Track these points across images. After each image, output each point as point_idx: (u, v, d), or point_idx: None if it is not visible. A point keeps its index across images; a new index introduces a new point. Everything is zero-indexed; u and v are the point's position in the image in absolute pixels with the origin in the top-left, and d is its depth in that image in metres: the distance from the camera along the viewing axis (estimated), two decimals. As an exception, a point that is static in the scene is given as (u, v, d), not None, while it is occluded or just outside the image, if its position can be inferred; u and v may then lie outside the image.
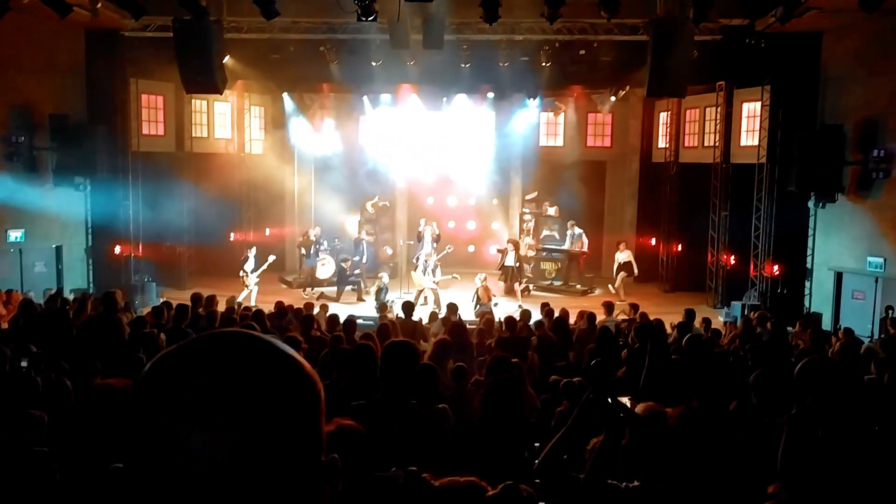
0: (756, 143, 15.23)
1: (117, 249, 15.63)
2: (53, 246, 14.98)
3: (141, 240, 16.04)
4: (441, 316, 10.78)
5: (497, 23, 12.06)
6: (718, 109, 16.11)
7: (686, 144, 17.70)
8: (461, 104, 17.69)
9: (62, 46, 14.62)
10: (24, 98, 14.01)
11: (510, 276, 15.99)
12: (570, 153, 18.86)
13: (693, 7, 11.55)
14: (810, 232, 14.74)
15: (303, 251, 17.02)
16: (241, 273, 14.96)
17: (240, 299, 13.16)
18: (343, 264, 15.96)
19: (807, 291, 14.91)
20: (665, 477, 2.70)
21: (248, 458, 0.79)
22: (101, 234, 15.62)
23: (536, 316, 10.39)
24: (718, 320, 13.42)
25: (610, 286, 16.51)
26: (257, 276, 14.92)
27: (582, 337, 8.47)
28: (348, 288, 15.98)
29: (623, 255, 16.37)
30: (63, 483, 2.98)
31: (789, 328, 10.10)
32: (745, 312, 13.23)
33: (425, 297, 14.86)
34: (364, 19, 11.53)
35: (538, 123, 19.15)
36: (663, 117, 18.40)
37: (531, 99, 17.46)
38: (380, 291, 14.45)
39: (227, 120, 18.40)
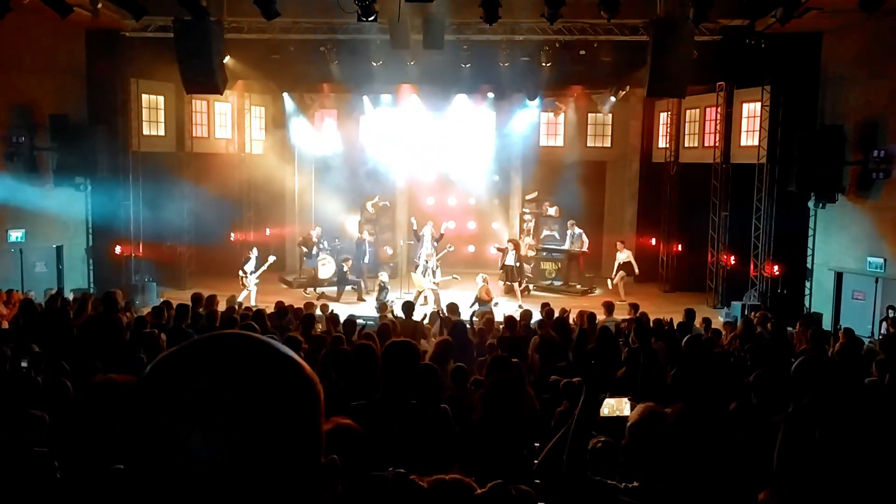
0: (756, 143, 15.23)
1: (118, 249, 15.64)
2: (54, 246, 14.99)
3: (141, 240, 16.05)
4: (441, 316, 10.78)
5: (497, 23, 12.07)
6: (718, 110, 16.11)
7: (686, 145, 17.69)
8: (461, 104, 17.69)
9: (63, 47, 14.63)
10: (24, 98, 14.03)
11: (510, 276, 15.99)
12: (571, 153, 18.85)
13: (693, 7, 11.55)
14: (810, 232, 14.75)
15: (304, 250, 17.01)
16: (241, 273, 14.95)
17: (240, 299, 13.17)
18: (343, 264, 15.96)
19: (807, 292, 14.91)
20: (665, 477, 2.70)
21: (247, 460, 0.79)
22: (101, 234, 15.64)
23: (537, 316, 10.39)
24: (718, 320, 13.42)
25: (609, 281, 16.54)
26: (257, 277, 14.93)
27: (582, 337, 8.47)
28: (348, 288, 15.99)
29: (622, 255, 16.38)
30: (64, 482, 2.99)
31: (789, 328, 10.10)
32: (746, 313, 13.23)
33: (425, 297, 14.87)
34: (364, 19, 11.53)
35: (538, 123, 19.15)
36: (663, 117, 18.40)
37: (531, 99, 17.45)
38: (380, 291, 14.46)
39: (227, 120, 18.40)
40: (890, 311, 11.23)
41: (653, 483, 2.72)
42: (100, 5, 12.62)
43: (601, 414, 3.17)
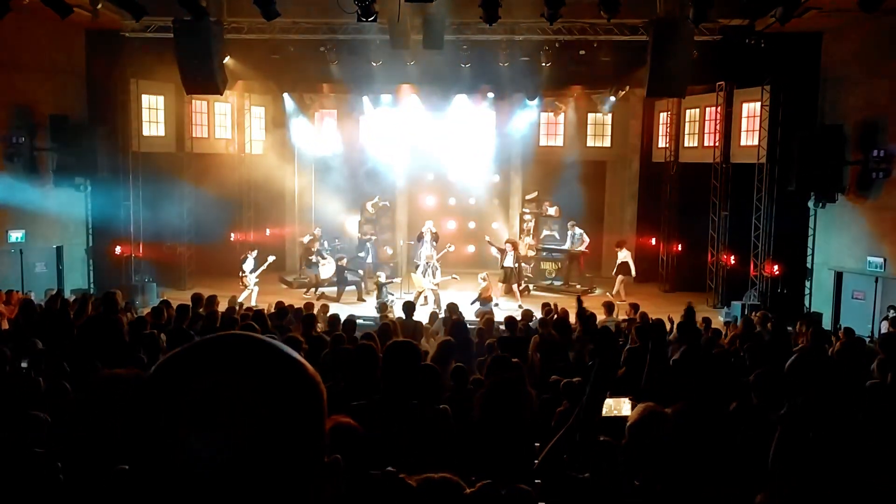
0: (756, 143, 15.23)
1: (118, 250, 15.65)
2: (54, 246, 14.99)
3: (141, 240, 16.06)
4: (441, 316, 10.78)
5: (497, 23, 12.06)
6: (718, 109, 16.11)
7: (686, 144, 17.70)
8: (461, 104, 17.69)
9: (63, 47, 14.64)
10: (24, 98, 14.03)
11: (510, 276, 15.99)
12: (570, 153, 18.85)
13: (693, 7, 11.55)
14: (810, 232, 14.76)
15: (310, 259, 16.90)
16: (241, 273, 14.96)
17: (240, 300, 13.17)
18: (340, 263, 15.97)
19: (807, 291, 14.92)
20: (665, 477, 2.70)
21: (250, 460, 0.80)
22: (101, 235, 15.65)
23: (537, 316, 10.39)
24: (718, 320, 13.43)
25: (609, 294, 16.45)
26: (256, 277, 14.93)
27: (582, 337, 8.47)
28: (349, 288, 15.99)
29: (621, 255, 16.38)
30: (67, 483, 2.99)
31: (789, 328, 10.10)
32: (746, 312, 13.23)
33: (425, 298, 14.87)
34: (364, 20, 11.53)
35: (538, 123, 19.16)
36: (663, 117, 18.40)
37: (531, 99, 17.46)
38: (380, 292, 14.46)
39: (227, 120, 18.41)
40: (890, 311, 11.23)
41: (653, 483, 2.72)
42: (100, 6, 12.62)
43: (601, 414, 3.17)
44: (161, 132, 16.74)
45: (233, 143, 18.56)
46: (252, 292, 14.82)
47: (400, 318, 9.80)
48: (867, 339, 9.81)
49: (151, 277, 16.06)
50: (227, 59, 14.18)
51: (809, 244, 14.78)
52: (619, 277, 16.14)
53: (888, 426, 4.40)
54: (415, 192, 19.41)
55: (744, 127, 15.92)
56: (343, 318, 9.02)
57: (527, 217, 18.33)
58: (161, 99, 16.58)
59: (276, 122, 18.92)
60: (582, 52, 14.78)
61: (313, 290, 16.30)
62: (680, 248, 17.63)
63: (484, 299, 14.38)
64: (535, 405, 5.32)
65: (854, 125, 13.41)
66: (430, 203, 19.58)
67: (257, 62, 15.21)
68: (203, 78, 13.23)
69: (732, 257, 15.81)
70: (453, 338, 7.09)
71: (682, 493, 2.68)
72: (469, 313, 12.57)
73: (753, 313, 11.30)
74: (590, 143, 19.59)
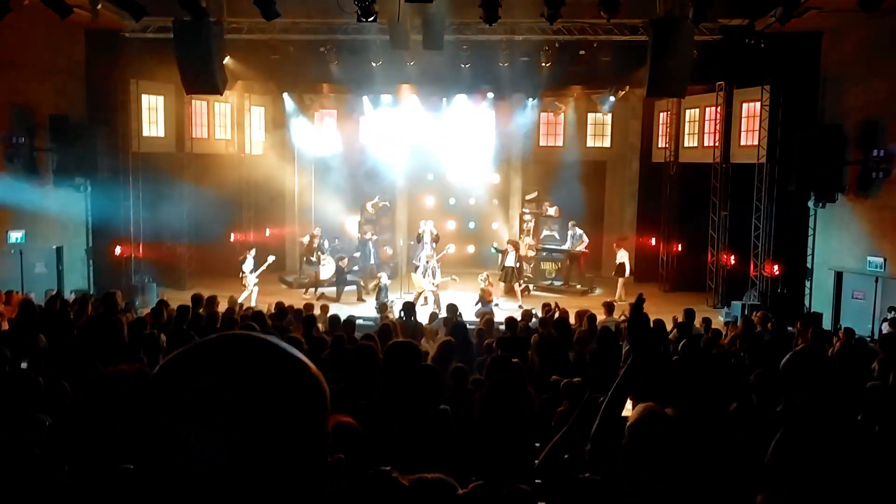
0: (756, 143, 15.24)
1: (118, 250, 15.65)
2: (54, 247, 14.98)
3: (141, 240, 16.06)
4: (441, 317, 10.78)
5: (497, 23, 12.06)
6: (718, 109, 16.11)
7: (686, 144, 17.70)
8: (461, 104, 17.69)
9: (62, 47, 14.63)
10: (24, 99, 14.02)
11: (510, 276, 16.00)
12: (570, 153, 18.85)
13: (693, 7, 11.55)
14: (810, 232, 14.76)
15: (310, 258, 16.93)
16: (241, 274, 14.97)
17: (240, 300, 13.17)
18: (340, 263, 15.97)
19: (807, 291, 14.91)
20: (665, 477, 2.70)
21: (254, 459, 0.80)
22: (101, 235, 15.64)
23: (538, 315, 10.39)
24: (719, 320, 13.42)
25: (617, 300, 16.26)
26: (256, 277, 14.93)
27: (582, 337, 8.47)
28: (349, 288, 15.99)
29: (619, 256, 16.38)
30: (70, 483, 2.99)
31: (789, 328, 10.10)
32: (746, 312, 13.23)
33: (425, 298, 14.87)
34: (364, 20, 11.53)
35: (538, 123, 19.16)
36: (663, 117, 18.41)
37: (531, 99, 17.47)
38: (380, 292, 14.46)
39: (227, 120, 18.41)
40: (891, 312, 11.22)
41: (653, 483, 2.72)
42: (99, 6, 12.62)
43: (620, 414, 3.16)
44: (161, 132, 16.74)
45: (233, 144, 18.56)
46: (252, 293, 14.82)
47: (400, 318, 9.80)
48: (868, 339, 9.82)
49: (151, 278, 16.06)
50: (226, 60, 14.17)
51: (809, 244, 14.78)
52: (620, 280, 16.13)
53: (889, 426, 4.40)
54: (415, 193, 19.41)
55: (744, 127, 15.92)
56: (343, 318, 9.03)
57: (527, 217, 18.33)
58: (161, 99, 16.58)
59: (276, 123, 18.93)
60: (582, 52, 14.79)
61: (313, 290, 16.31)
62: (680, 248, 17.63)
63: (485, 300, 14.37)
64: (535, 405, 5.32)
65: (854, 125, 13.41)
66: (430, 203, 19.58)
67: (257, 62, 15.21)
68: (203, 78, 13.22)
69: (732, 257, 15.81)
70: (453, 338, 7.09)
71: (683, 493, 2.68)
72: (469, 314, 12.57)
73: (754, 313, 11.30)
74: (590, 143, 19.60)
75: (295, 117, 18.28)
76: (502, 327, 9.41)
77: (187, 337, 6.91)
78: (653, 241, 18.43)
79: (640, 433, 2.78)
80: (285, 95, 17.80)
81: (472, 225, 19.84)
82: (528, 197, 18.73)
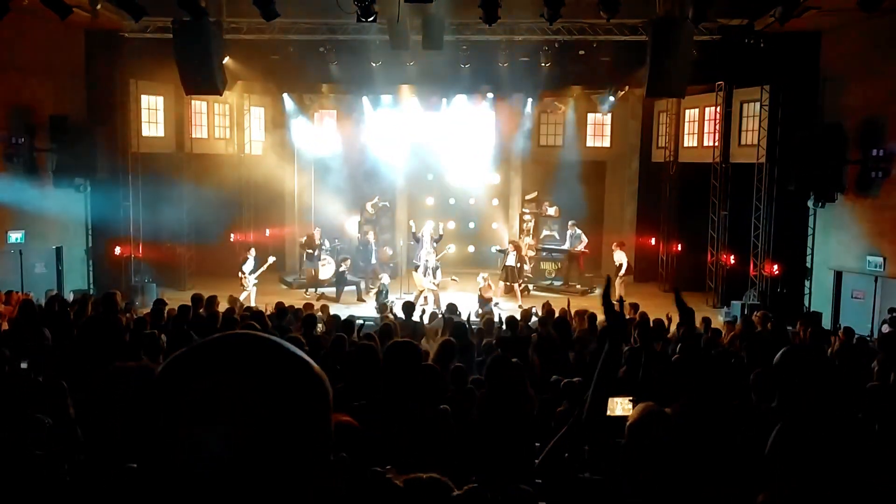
0: (755, 142, 15.24)
1: (117, 250, 15.65)
2: (53, 247, 14.99)
3: (141, 241, 16.06)
4: (441, 316, 10.78)
5: (496, 23, 12.07)
6: (718, 109, 16.12)
7: (685, 144, 17.71)
8: (461, 104, 17.70)
9: (62, 48, 14.63)
10: (24, 99, 14.02)
11: (510, 276, 16.00)
12: (570, 153, 18.85)
13: (692, 7, 11.56)
14: (810, 231, 14.76)
15: (309, 251, 16.95)
16: (240, 274, 14.97)
17: (240, 300, 13.17)
18: (342, 264, 15.98)
19: (806, 291, 14.92)
20: (665, 476, 2.70)
21: (258, 458, 0.80)
22: (101, 235, 15.64)
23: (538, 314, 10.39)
24: (718, 320, 13.42)
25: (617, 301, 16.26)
26: (255, 278, 14.93)
27: (582, 337, 8.47)
28: (348, 288, 15.99)
29: (618, 256, 16.36)
30: (73, 482, 2.99)
31: (789, 328, 10.11)
32: (745, 312, 13.23)
33: (425, 298, 14.88)
34: (364, 20, 11.53)
35: (538, 123, 19.17)
36: (663, 117, 18.41)
37: (531, 99, 17.47)
38: (380, 293, 14.46)
39: (226, 121, 18.41)
40: (890, 313, 11.21)
41: (653, 483, 2.72)
42: (99, 6, 12.62)
43: (605, 412, 3.17)
44: (160, 133, 16.74)
45: (232, 144, 18.57)
46: (251, 293, 14.81)
47: (399, 318, 9.80)
48: (868, 339, 9.82)
49: (151, 278, 16.06)
50: (226, 60, 14.17)
51: (809, 244, 14.79)
52: (618, 279, 16.09)
53: (889, 426, 4.41)
54: (414, 193, 19.41)
55: (743, 126, 15.93)
56: (343, 318, 9.03)
57: (526, 217, 18.33)
58: (160, 99, 16.58)
59: (276, 123, 18.93)
60: (581, 53, 14.79)
61: (313, 290, 16.31)
62: (679, 248, 17.64)
63: (484, 300, 14.38)
64: (535, 405, 5.33)
65: (853, 124, 13.41)
66: (430, 203, 19.58)
67: (257, 63, 15.21)
68: (202, 78, 13.22)
69: (732, 257, 15.82)
70: (453, 338, 7.09)
71: (683, 493, 2.68)
72: (470, 313, 12.56)
73: (755, 313, 11.28)
74: (589, 143, 19.60)
75: (295, 117, 18.28)
76: (503, 327, 9.42)
77: (187, 337, 6.91)
78: (652, 241, 18.43)
79: (640, 433, 2.79)
80: (285, 95, 17.80)
81: (471, 225, 19.85)
82: (527, 197, 18.74)
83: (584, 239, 16.90)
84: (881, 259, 12.91)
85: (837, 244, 14.12)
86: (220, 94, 14.32)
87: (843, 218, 13.89)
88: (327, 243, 17.07)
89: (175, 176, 16.60)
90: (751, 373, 5.03)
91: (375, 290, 14.78)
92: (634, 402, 3.68)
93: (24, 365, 5.95)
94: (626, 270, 16.22)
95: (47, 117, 14.24)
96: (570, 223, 17.13)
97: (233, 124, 18.53)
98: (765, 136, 14.87)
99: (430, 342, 8.69)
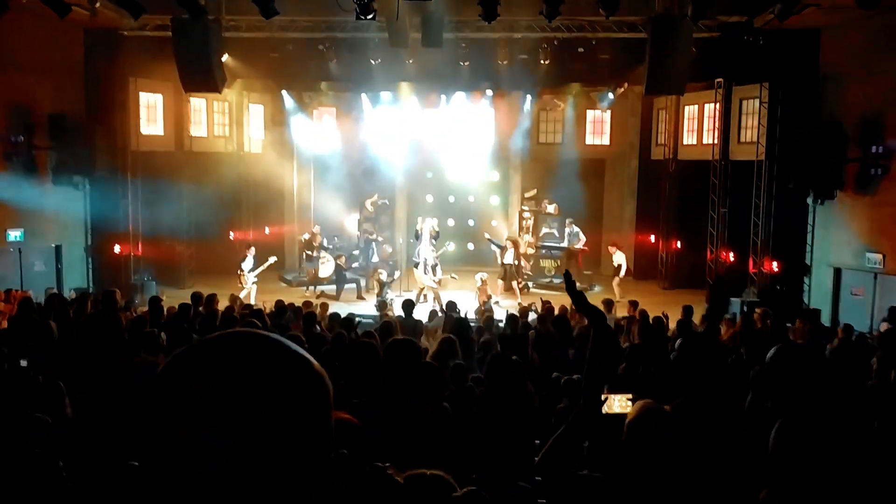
0: (755, 140, 15.23)
1: (117, 248, 15.65)
2: (53, 245, 14.98)
3: (140, 239, 16.06)
4: (441, 314, 10.79)
5: (496, 21, 12.05)
6: (717, 107, 16.11)
7: (685, 142, 17.70)
8: (460, 102, 17.69)
9: (61, 46, 14.60)
10: (23, 97, 14.00)
11: (509, 274, 16.00)
12: (569, 151, 18.85)
13: (692, 4, 11.55)
14: (809, 229, 14.76)
15: (308, 253, 16.95)
16: (239, 271, 14.97)
17: (240, 297, 13.17)
18: (339, 262, 15.98)
19: (805, 288, 14.93)
20: (665, 474, 2.71)
21: (259, 455, 0.80)
22: (100, 234, 15.64)
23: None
24: (718, 317, 13.42)
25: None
26: (255, 276, 14.93)
27: (582, 334, 8.47)
28: (348, 286, 15.99)
29: (617, 257, 16.37)
30: (70, 480, 2.99)
31: (788, 325, 10.12)
32: (745, 309, 13.24)
33: (425, 296, 14.88)
34: (363, 18, 11.52)
35: (537, 121, 19.16)
36: (662, 115, 18.40)
37: (530, 96, 17.46)
38: (381, 290, 14.47)
39: (225, 119, 18.40)
40: (889, 313, 11.21)
41: (653, 480, 2.72)
42: (98, 4, 12.59)
43: (601, 408, 3.17)
44: (160, 131, 16.72)
45: (232, 142, 18.55)
46: (250, 291, 14.81)
47: (399, 316, 9.81)
48: (867, 335, 9.82)
49: (151, 276, 16.07)
50: (225, 58, 14.17)
51: (808, 241, 14.80)
52: (616, 279, 16.09)
53: (889, 424, 4.41)
54: (414, 191, 19.40)
55: (743, 124, 15.92)
56: (342, 316, 9.03)
57: (526, 215, 18.34)
58: (159, 97, 16.57)
59: (275, 121, 18.91)
60: (581, 50, 14.77)
61: (312, 288, 16.31)
62: (679, 246, 17.64)
63: (483, 300, 14.37)
64: (535, 402, 5.33)
65: (853, 122, 13.40)
66: (430, 201, 19.58)
67: (256, 60, 15.20)
68: (201, 76, 13.21)
69: (731, 254, 15.82)
70: (453, 335, 7.09)
71: (683, 491, 2.69)
72: (469, 311, 12.57)
73: (755, 310, 11.28)
74: (588, 140, 19.60)
75: (294, 115, 18.26)
76: (502, 324, 9.43)
77: (187, 335, 6.92)
78: (652, 239, 18.43)
79: (639, 430, 2.79)
80: (284, 93, 17.79)
81: (471, 223, 19.85)
82: (527, 195, 18.74)
83: (583, 237, 16.90)
84: (880, 256, 12.91)
85: (837, 241, 14.13)
86: (220, 92, 14.31)
87: (843, 215, 13.90)
88: (325, 241, 17.07)
89: (174, 174, 16.59)
90: (750, 370, 5.04)
91: (383, 281, 14.72)
92: (633, 400, 3.69)
93: (23, 363, 5.95)
94: (626, 272, 16.21)
95: (46, 115, 14.22)
96: (567, 221, 17.14)
97: (232, 122, 18.51)
98: (764, 134, 14.86)
99: (429, 340, 8.70)
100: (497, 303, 14.62)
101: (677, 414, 2.82)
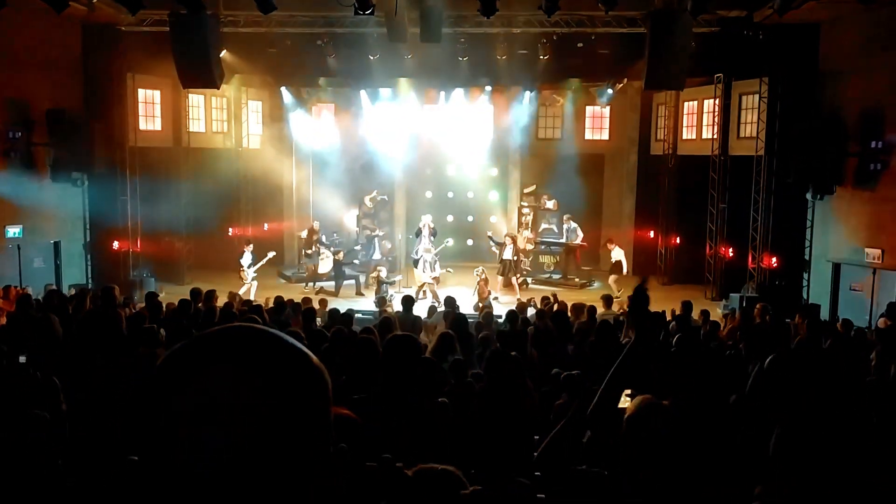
0: (754, 135, 15.22)
1: (115, 245, 15.63)
2: (51, 241, 14.97)
3: (139, 235, 16.04)
4: (440, 310, 10.79)
5: (495, 16, 12.03)
6: (716, 102, 16.09)
7: (684, 137, 17.68)
8: (459, 97, 17.66)
9: (58, 41, 14.56)
10: (20, 93, 13.97)
11: (508, 269, 16.00)
12: (568, 146, 18.83)
13: (691, -1, 11.53)
14: (808, 224, 14.76)
15: (306, 252, 16.95)
16: (239, 268, 14.97)
17: (240, 294, 13.17)
18: (337, 257, 15.97)
19: (805, 283, 14.94)
20: (664, 469, 2.71)
21: (259, 450, 0.80)
22: (99, 230, 15.62)
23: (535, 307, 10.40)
24: (717, 312, 13.44)
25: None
26: (255, 272, 14.93)
27: (582, 330, 8.48)
28: (347, 282, 15.99)
29: (615, 254, 16.35)
30: (75, 475, 2.99)
31: (787, 320, 10.12)
32: (744, 304, 13.25)
33: (424, 292, 14.89)
34: (361, 13, 11.50)
35: (536, 116, 19.13)
36: (661, 110, 18.38)
37: (529, 92, 17.43)
38: (379, 286, 14.47)
39: (224, 114, 18.36)
40: (889, 309, 11.21)
41: (652, 475, 2.72)
42: (96, 0, 12.57)
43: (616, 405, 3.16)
44: (158, 126, 16.70)
45: (230, 138, 18.52)
46: (251, 287, 14.81)
47: (398, 312, 9.81)
48: (866, 330, 9.83)
49: (150, 272, 16.05)
50: (223, 53, 14.13)
51: (807, 236, 14.80)
52: (613, 277, 16.06)
53: (887, 421, 4.41)
54: (413, 186, 19.39)
55: (742, 119, 15.90)
56: (342, 312, 9.03)
57: (525, 210, 18.32)
58: (158, 93, 16.53)
59: (274, 116, 18.89)
60: (580, 45, 14.75)
61: (312, 284, 16.31)
62: (678, 241, 17.64)
63: (482, 295, 14.37)
64: (534, 398, 5.33)
65: (852, 117, 13.39)
66: (429, 197, 19.57)
67: (254, 56, 15.17)
68: (200, 72, 13.19)
69: (731, 250, 15.82)
70: (452, 331, 7.09)
71: (682, 485, 2.68)
72: (468, 307, 12.59)
73: (756, 305, 11.29)
74: (588, 135, 19.58)
75: (292, 111, 18.23)
76: (500, 320, 9.42)
77: (186, 331, 6.91)
78: (651, 234, 18.43)
79: (638, 425, 2.79)
80: (283, 89, 17.75)
81: (470, 218, 19.84)
82: (526, 190, 18.72)
83: (580, 233, 16.89)
84: (879, 251, 12.91)
85: (836, 236, 14.13)
86: (218, 88, 14.28)
87: (842, 210, 13.89)
88: (324, 237, 17.06)
89: (173, 170, 16.57)
90: (749, 364, 5.04)
91: (383, 279, 14.73)
92: (632, 395, 3.68)
93: (22, 359, 5.94)
94: (624, 269, 16.16)
95: (44, 111, 14.19)
96: (565, 217, 17.14)
97: (230, 118, 18.48)
98: (763, 129, 14.85)
99: (429, 336, 8.70)
100: (496, 298, 14.62)
101: (676, 409, 2.82)
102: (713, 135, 16.28)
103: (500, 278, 16.06)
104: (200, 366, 0.83)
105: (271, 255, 15.07)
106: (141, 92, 16.10)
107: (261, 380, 0.82)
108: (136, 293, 14.43)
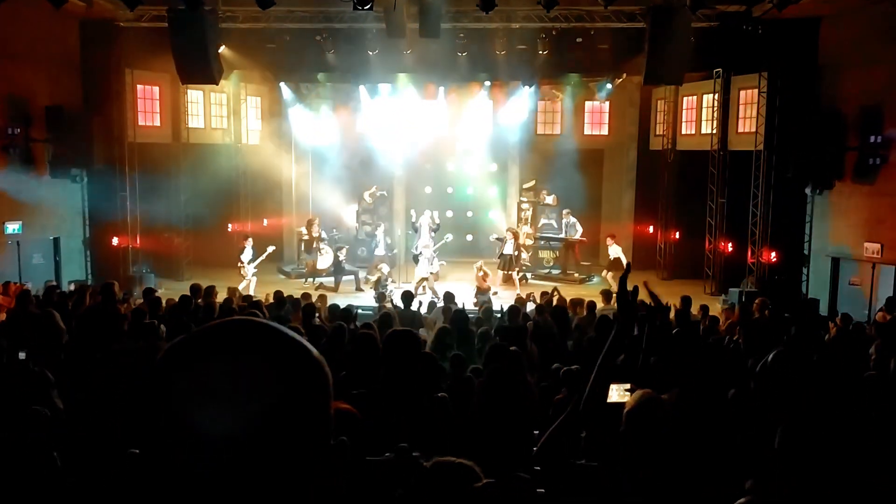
0: (753, 130, 15.21)
1: (115, 241, 15.63)
2: (51, 238, 14.98)
3: (138, 231, 16.03)
4: (439, 305, 10.80)
5: (494, 11, 12.01)
6: (716, 97, 16.08)
7: (683, 132, 17.67)
8: (458, 93, 17.62)
9: (57, 37, 14.53)
10: (19, 89, 13.96)
11: (508, 265, 16.00)
12: (568, 141, 18.80)
13: (690, -6, 11.51)
14: (807, 218, 14.77)
15: (306, 247, 16.94)
16: (239, 264, 14.98)
17: (240, 289, 13.18)
18: (338, 254, 15.97)
19: (804, 278, 14.95)
20: (663, 463, 2.71)
21: (259, 443, 0.80)
22: (98, 226, 15.63)
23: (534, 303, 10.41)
24: (716, 307, 13.46)
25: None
26: (255, 267, 14.93)
27: (581, 325, 8.50)
28: (347, 278, 15.99)
29: (613, 250, 16.34)
30: (73, 469, 3.00)
31: (786, 314, 10.13)
32: (743, 299, 13.26)
33: (424, 287, 14.90)
34: (360, 8, 11.48)
35: (535, 112, 19.11)
36: (661, 105, 18.36)
37: (528, 87, 17.41)
38: (378, 282, 14.47)
39: (223, 110, 18.34)
40: (888, 304, 11.23)
41: (651, 470, 2.73)
42: (93, -5, 12.55)
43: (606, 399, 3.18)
44: (157, 122, 16.67)
45: (229, 133, 18.49)
46: (251, 283, 14.82)
47: (398, 307, 9.82)
48: (865, 325, 9.84)
49: (149, 268, 16.06)
50: (222, 49, 14.10)
51: (807, 231, 14.81)
52: (610, 274, 16.05)
53: (887, 416, 4.42)
54: (412, 182, 19.37)
55: (741, 114, 15.88)
56: (341, 308, 9.04)
57: (524, 206, 18.32)
58: (156, 89, 16.50)
59: (273, 112, 18.85)
60: (579, 40, 14.72)
61: (311, 279, 16.31)
62: (677, 236, 17.65)
63: (481, 290, 14.38)
64: (534, 393, 5.34)
65: (852, 111, 13.39)
66: (428, 192, 19.56)
67: (253, 51, 15.13)
68: (198, 68, 13.17)
69: (730, 244, 15.83)
70: (452, 326, 7.10)
71: (680, 480, 2.69)
72: (468, 302, 12.59)
73: (755, 300, 11.31)
74: (587, 131, 19.56)
75: (291, 106, 18.20)
76: (498, 315, 9.43)
77: (186, 327, 6.92)
78: (650, 229, 18.44)
79: (637, 420, 2.80)
80: (282, 84, 17.71)
81: (469, 214, 19.83)
82: (525, 185, 18.71)
83: (580, 228, 16.89)
84: (878, 245, 12.93)
85: (835, 231, 14.14)
86: (217, 84, 14.26)
87: (841, 205, 13.90)
88: (324, 233, 17.05)
89: (172, 166, 16.56)
90: (748, 359, 5.05)
91: (374, 280, 14.78)
92: (632, 390, 3.69)
93: (21, 355, 5.94)
94: (618, 267, 16.13)
95: (43, 108, 14.18)
96: (564, 212, 17.13)
97: (229, 113, 18.45)
98: (763, 124, 14.83)
99: (428, 332, 8.71)
100: (496, 293, 14.63)
101: (675, 404, 2.83)
102: (712, 130, 16.27)
103: (500, 273, 16.07)
104: (201, 358, 0.83)
105: (271, 249, 15.08)
106: (140, 88, 16.07)
107: (261, 372, 0.83)
108: (135, 289, 14.43)
